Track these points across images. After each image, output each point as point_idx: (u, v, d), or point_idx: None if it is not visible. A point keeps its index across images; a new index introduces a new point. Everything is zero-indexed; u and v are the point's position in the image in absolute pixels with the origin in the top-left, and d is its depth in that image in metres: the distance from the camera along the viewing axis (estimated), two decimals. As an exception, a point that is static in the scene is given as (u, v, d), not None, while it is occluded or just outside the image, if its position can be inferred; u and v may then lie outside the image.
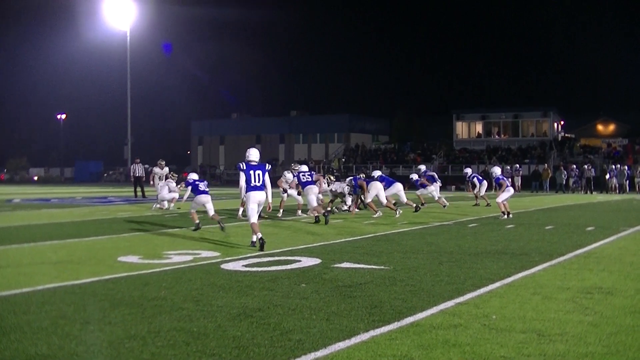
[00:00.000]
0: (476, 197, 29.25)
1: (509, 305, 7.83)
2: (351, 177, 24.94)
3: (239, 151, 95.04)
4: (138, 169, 37.06)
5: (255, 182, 13.61)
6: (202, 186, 18.20)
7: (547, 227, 18.04)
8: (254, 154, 13.96)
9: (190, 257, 11.80)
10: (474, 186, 30.02)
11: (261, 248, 12.90)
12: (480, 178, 30.20)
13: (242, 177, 13.59)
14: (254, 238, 13.39)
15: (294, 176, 23.55)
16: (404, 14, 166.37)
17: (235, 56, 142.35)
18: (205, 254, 12.33)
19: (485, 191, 29.36)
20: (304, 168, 23.19)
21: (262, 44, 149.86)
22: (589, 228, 17.83)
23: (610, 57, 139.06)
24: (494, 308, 7.66)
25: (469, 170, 33.32)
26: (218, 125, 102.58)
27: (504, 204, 21.66)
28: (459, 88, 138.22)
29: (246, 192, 13.67)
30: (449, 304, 7.87)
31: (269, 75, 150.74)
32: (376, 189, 23.06)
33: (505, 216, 21.28)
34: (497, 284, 9.14)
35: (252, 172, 13.65)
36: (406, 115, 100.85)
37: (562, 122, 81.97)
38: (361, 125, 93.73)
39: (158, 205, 25.85)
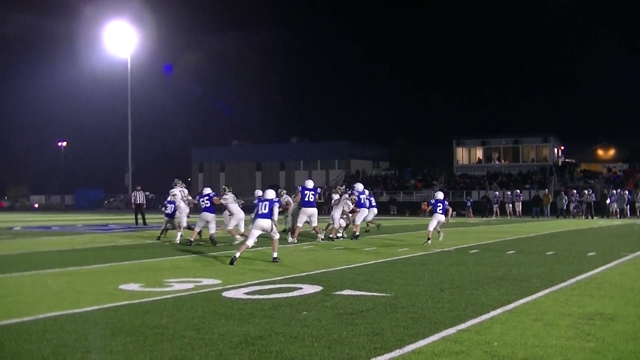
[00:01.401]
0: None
1: (510, 331, 7.82)
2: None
3: (239, 178, 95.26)
4: (139, 197, 37.39)
5: (261, 210, 16.16)
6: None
7: (548, 253, 18.02)
8: (268, 193, 16.73)
9: (191, 285, 11.78)
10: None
11: (231, 262, 15.30)
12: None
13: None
14: (237, 254, 15.61)
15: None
16: (403, 40, 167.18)
17: (235, 83, 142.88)
18: (206, 281, 12.31)
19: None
20: (310, 184, 23.52)
21: (262, 71, 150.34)
22: (590, 253, 17.82)
23: (610, 82, 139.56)
24: (496, 335, 7.65)
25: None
26: (218, 152, 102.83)
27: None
28: (459, 114, 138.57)
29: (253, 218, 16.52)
30: (451, 330, 7.86)
31: (269, 102, 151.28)
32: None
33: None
34: (499, 311, 9.13)
35: (260, 203, 16.26)
36: (406, 141, 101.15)
37: (562, 148, 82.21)
38: (361, 151, 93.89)
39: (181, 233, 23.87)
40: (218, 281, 12.33)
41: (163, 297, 10.48)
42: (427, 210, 28.53)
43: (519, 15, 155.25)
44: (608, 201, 52.32)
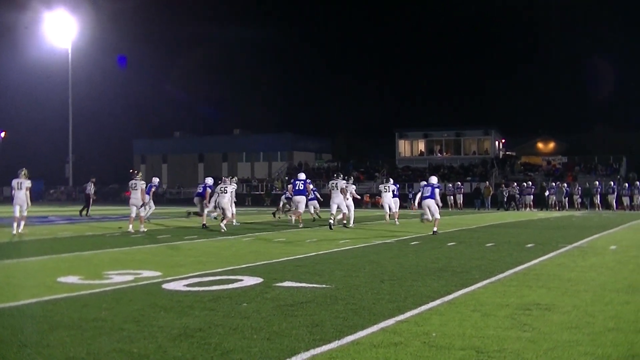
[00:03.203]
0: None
1: (449, 322, 7.89)
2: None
3: (182, 170, 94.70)
4: (89, 188, 39.28)
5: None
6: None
7: (487, 245, 18.23)
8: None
9: (131, 277, 11.68)
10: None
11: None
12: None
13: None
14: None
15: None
16: (346, 32, 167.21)
17: (179, 74, 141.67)
18: (146, 273, 12.22)
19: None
20: (302, 176, 28.09)
21: (204, 62, 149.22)
22: (529, 245, 18.07)
23: (551, 76, 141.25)
24: (434, 326, 7.71)
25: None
26: (160, 144, 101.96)
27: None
28: (401, 107, 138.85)
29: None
30: (390, 322, 7.90)
31: (211, 94, 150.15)
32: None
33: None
34: (438, 302, 9.21)
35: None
36: (349, 133, 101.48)
37: (503, 141, 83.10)
38: (304, 143, 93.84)
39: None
40: (158, 273, 12.23)
41: (102, 289, 10.38)
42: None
43: (462, 8, 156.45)
44: (547, 193, 53.12)
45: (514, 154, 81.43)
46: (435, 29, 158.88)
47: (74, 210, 37.49)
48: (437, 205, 23.01)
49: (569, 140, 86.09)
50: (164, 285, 10.74)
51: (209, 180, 28.64)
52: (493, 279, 11.53)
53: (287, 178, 76.80)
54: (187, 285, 10.75)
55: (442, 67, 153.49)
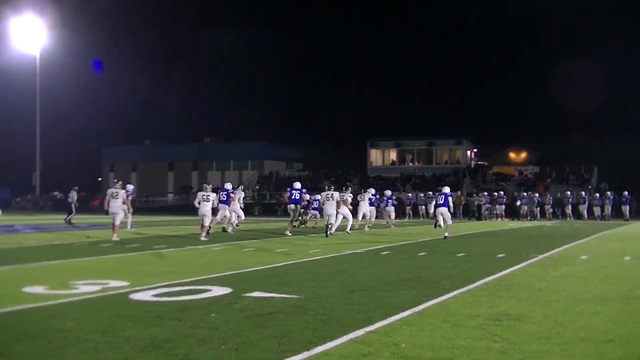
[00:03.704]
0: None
1: (419, 333, 7.91)
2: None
3: (151, 178, 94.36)
4: (71, 196, 40.68)
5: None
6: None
7: (459, 255, 18.29)
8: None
9: (98, 287, 11.59)
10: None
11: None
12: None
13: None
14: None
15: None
16: (317, 40, 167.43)
17: (149, 81, 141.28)
18: (113, 283, 12.13)
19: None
20: (297, 185, 29.86)
21: (175, 70, 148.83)
22: (500, 255, 18.15)
23: (523, 86, 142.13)
24: (404, 336, 7.72)
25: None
26: (130, 152, 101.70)
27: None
28: (373, 116, 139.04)
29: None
30: (360, 332, 7.90)
31: (182, 101, 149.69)
32: None
33: None
34: (408, 312, 9.22)
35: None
36: (320, 142, 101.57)
37: (475, 150, 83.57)
38: (275, 152, 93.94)
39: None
40: (126, 283, 12.15)
41: (69, 300, 10.29)
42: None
43: (434, 17, 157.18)
44: (518, 203, 53.46)
45: (486, 163, 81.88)
46: (407, 39, 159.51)
47: (40, 219, 37.19)
48: (450, 212, 26.20)
49: (541, 150, 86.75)
50: (132, 296, 10.67)
51: (228, 186, 29.81)
52: (464, 289, 11.57)
53: (257, 187, 76.85)
54: (156, 295, 10.69)
55: (414, 76, 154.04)
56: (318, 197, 32.47)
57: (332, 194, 27.76)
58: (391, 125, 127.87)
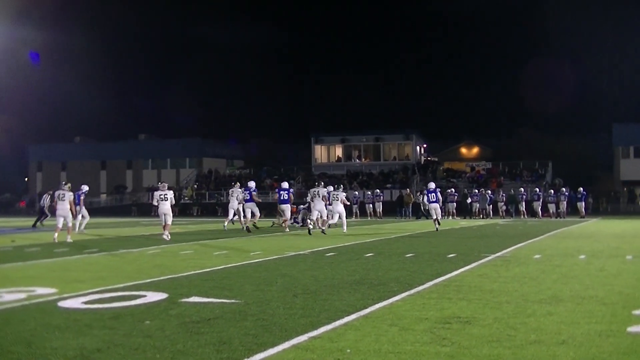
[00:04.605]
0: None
1: (364, 338, 7.94)
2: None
3: (83, 177, 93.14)
4: (43, 201, 40.50)
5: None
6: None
7: (407, 255, 18.41)
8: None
9: (23, 295, 11.45)
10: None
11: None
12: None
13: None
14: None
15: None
16: (258, 32, 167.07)
17: (80, 77, 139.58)
18: (40, 290, 11.99)
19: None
20: (285, 185, 33.57)
21: (107, 63, 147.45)
22: (450, 255, 18.30)
23: (474, 79, 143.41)
24: (349, 341, 7.75)
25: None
26: (59, 150, 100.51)
27: None
28: (317, 110, 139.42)
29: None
30: (302, 338, 7.91)
31: (114, 96, 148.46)
32: None
33: None
34: (354, 316, 9.25)
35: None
36: (262, 138, 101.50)
37: (424, 146, 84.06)
38: (214, 149, 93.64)
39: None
40: (54, 290, 12.02)
41: (-9, 308, 10.17)
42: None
43: (382, 8, 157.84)
44: (469, 200, 53.87)
45: (436, 159, 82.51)
46: (352, 30, 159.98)
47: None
48: (441, 207, 33.52)
49: (493, 146, 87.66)
50: (60, 303, 10.56)
51: (252, 184, 33.53)
52: (412, 291, 11.64)
53: (196, 186, 76.51)
54: (86, 303, 10.59)
55: (361, 68, 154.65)
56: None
57: (319, 191, 29.86)
58: (337, 120, 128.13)
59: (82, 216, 32.11)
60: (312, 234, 27.98)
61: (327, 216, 30.22)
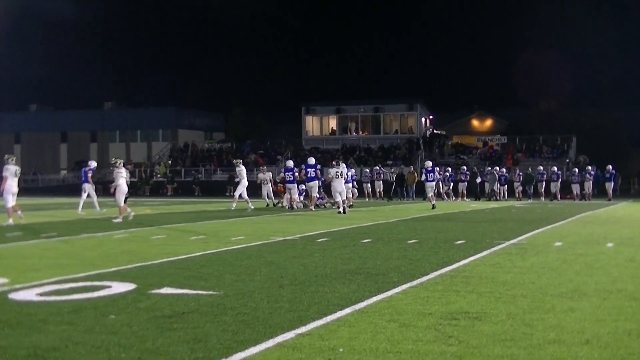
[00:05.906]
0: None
1: (359, 335, 7.93)
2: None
3: (40, 151, 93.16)
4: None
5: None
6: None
7: (409, 242, 18.42)
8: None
9: (-31, 286, 11.46)
10: None
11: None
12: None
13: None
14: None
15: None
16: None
17: (37, 39, 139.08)
18: (-11, 281, 11.99)
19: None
20: (312, 161, 36.21)
21: (69, 25, 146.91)
22: (459, 242, 18.32)
23: (487, 45, 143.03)
24: (342, 339, 7.74)
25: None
26: (12, 120, 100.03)
27: None
28: (309, 76, 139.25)
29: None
30: (289, 335, 7.90)
31: (77, 60, 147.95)
32: None
33: None
34: (348, 310, 9.25)
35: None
36: (245, 108, 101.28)
37: (431, 117, 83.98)
38: (191, 120, 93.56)
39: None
40: (5, 280, 11.97)
41: None
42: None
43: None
44: (478, 180, 53.32)
45: (444, 133, 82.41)
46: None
47: None
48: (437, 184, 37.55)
49: (509, 118, 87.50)
50: (12, 295, 10.53)
51: (290, 163, 38.04)
52: (414, 282, 11.64)
53: (170, 162, 76.39)
54: (41, 295, 10.57)
55: (358, 28, 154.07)
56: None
57: (341, 172, 32.45)
58: (330, 88, 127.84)
59: (89, 195, 32.96)
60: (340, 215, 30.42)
61: (323, 195, 32.33)
